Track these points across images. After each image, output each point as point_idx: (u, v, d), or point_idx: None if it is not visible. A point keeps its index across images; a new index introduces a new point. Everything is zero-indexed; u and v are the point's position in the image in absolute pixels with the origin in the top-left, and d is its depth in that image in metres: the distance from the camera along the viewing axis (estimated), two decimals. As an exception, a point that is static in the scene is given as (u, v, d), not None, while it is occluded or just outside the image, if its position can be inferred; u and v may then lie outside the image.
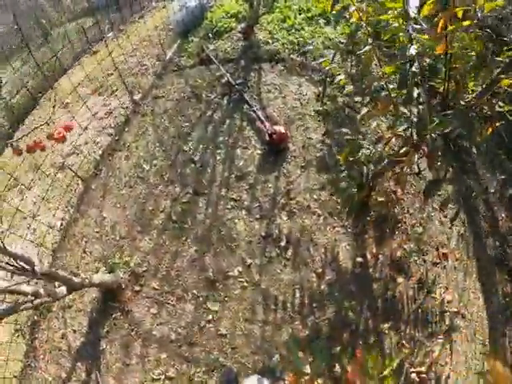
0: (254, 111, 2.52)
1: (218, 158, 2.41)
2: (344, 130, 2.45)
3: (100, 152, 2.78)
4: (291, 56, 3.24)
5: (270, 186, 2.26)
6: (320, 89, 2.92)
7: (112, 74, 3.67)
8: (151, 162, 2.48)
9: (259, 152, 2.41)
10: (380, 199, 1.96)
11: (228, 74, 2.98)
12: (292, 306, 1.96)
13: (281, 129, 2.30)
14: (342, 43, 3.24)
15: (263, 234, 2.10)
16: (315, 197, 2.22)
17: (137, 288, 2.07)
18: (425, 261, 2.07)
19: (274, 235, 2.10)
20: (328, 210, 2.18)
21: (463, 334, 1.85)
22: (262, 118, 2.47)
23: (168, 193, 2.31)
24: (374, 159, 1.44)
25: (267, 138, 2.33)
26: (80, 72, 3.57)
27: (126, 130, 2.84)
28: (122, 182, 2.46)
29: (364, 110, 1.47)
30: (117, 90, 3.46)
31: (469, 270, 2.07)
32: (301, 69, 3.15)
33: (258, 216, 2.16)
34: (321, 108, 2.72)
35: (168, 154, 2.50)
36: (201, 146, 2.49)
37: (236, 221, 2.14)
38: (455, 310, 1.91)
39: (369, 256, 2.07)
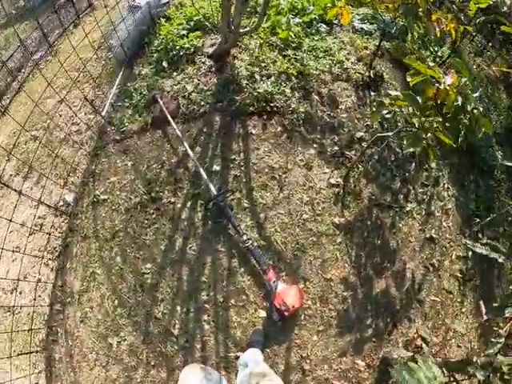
0: (248, 248, 1.69)
1: (207, 327, 1.73)
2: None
3: (46, 309, 1.95)
4: (291, 104, 2.06)
5: (280, 361, 1.72)
6: (338, 177, 1.96)
7: (35, 138, 2.39)
8: (119, 335, 1.79)
9: (262, 314, 1.74)
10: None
11: (197, 161, 1.90)
12: None
13: (294, 301, 1.57)
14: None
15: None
16: (334, 367, 1.73)
17: None
18: None
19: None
20: (349, 380, 1.75)
21: None
22: (262, 266, 1.67)
23: None
24: None
25: (275, 316, 1.61)
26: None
27: (69, 266, 1.98)
28: (90, 360, 1.84)
29: None
30: (46, 169, 2.29)
31: None
32: (306, 129, 2.06)
33: (269, 401, 1.72)
34: (341, 220, 1.87)
35: (136, 322, 1.78)
36: (178, 309, 1.75)
37: (243, 411, 1.71)
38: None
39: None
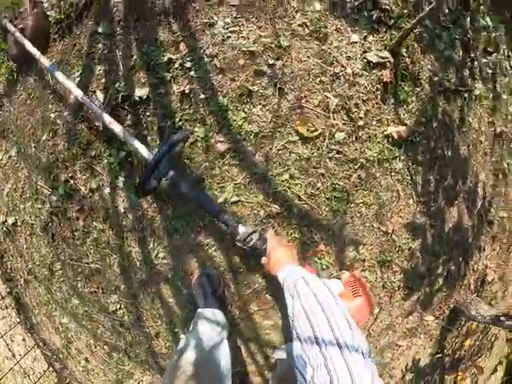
0: (256, 248, 0.88)
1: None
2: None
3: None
4: None
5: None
6: (381, 48, 1.03)
7: None
8: (133, 377, 1.27)
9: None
10: None
11: (91, 102, 0.96)
12: None
13: (359, 317, 0.91)
14: None
15: None
16: (399, 329, 1.27)
17: None
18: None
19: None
20: (416, 335, 1.35)
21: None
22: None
23: None
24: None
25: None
26: None
27: (34, 320, 1.38)
28: None
29: None
30: None
31: None
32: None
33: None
34: (400, 130, 1.06)
35: (142, 361, 1.22)
36: (183, 337, 1.17)
37: None
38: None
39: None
